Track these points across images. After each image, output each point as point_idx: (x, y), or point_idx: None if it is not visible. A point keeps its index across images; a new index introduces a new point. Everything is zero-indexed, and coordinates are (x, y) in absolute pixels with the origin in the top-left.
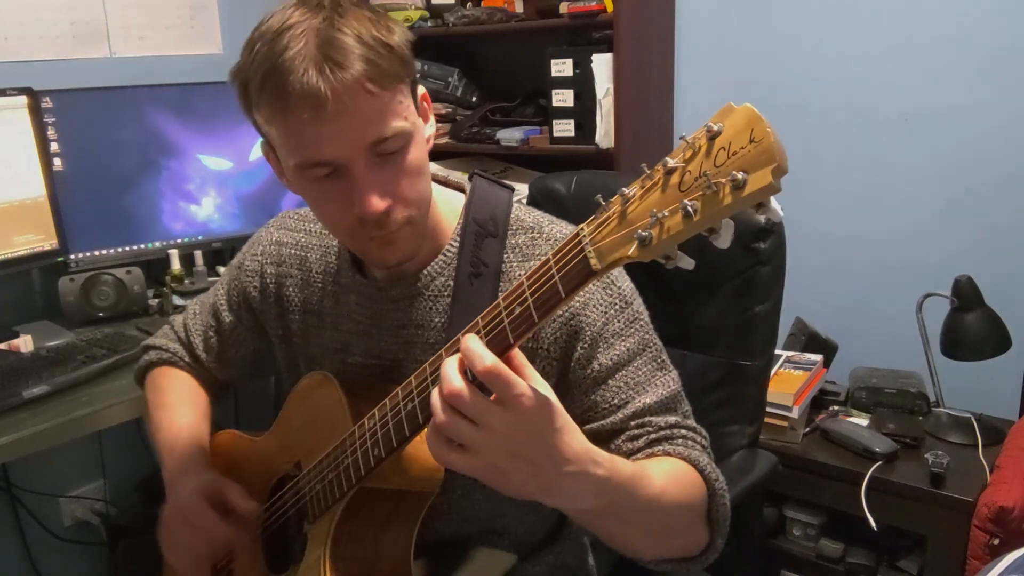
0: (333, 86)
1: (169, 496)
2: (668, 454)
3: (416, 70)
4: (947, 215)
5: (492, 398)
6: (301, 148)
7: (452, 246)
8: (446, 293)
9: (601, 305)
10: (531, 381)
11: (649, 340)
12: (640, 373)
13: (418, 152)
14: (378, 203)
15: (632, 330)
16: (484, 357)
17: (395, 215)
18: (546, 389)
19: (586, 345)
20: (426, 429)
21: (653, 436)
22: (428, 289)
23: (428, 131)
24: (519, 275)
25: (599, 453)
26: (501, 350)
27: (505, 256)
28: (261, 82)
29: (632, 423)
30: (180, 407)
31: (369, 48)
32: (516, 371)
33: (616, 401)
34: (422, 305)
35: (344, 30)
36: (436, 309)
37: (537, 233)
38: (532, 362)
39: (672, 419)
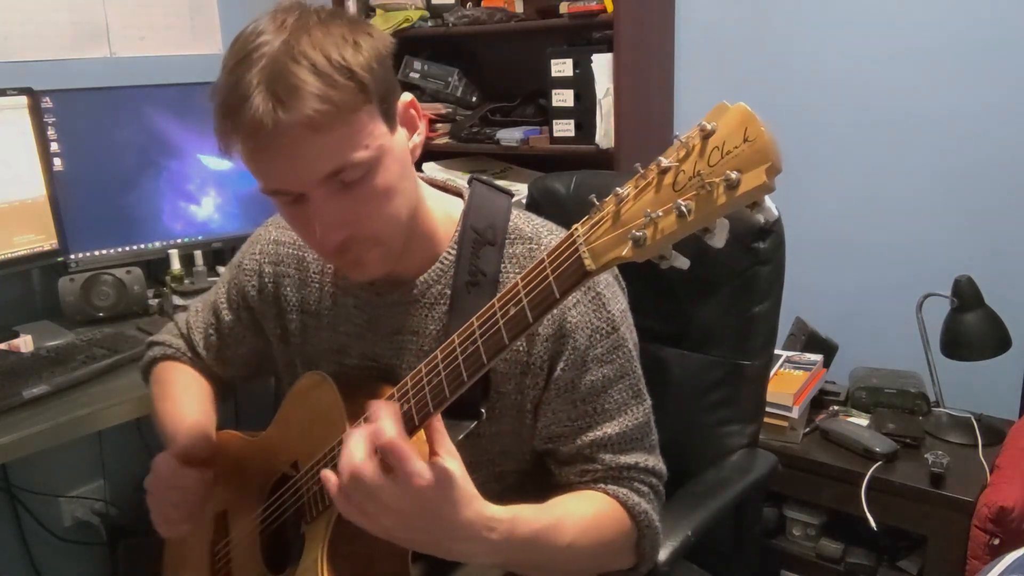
0: (278, 124)
1: None
2: (606, 492)
3: (391, 81)
4: (947, 215)
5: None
6: (259, 176)
7: (449, 254)
8: (442, 301)
9: (588, 328)
10: (440, 451)
11: (628, 368)
12: (611, 401)
13: (387, 175)
14: (335, 235)
15: (613, 356)
16: (385, 431)
17: (359, 240)
18: (451, 461)
19: (567, 365)
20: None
21: (600, 475)
22: (424, 297)
23: (414, 140)
24: None
25: (496, 519)
26: (493, 353)
27: (503, 266)
28: (218, 108)
29: (587, 452)
30: (183, 397)
31: (324, 80)
32: (431, 438)
33: (580, 424)
34: (418, 312)
35: (300, 59)
36: (432, 317)
37: (535, 244)
38: (525, 376)
39: (628, 459)
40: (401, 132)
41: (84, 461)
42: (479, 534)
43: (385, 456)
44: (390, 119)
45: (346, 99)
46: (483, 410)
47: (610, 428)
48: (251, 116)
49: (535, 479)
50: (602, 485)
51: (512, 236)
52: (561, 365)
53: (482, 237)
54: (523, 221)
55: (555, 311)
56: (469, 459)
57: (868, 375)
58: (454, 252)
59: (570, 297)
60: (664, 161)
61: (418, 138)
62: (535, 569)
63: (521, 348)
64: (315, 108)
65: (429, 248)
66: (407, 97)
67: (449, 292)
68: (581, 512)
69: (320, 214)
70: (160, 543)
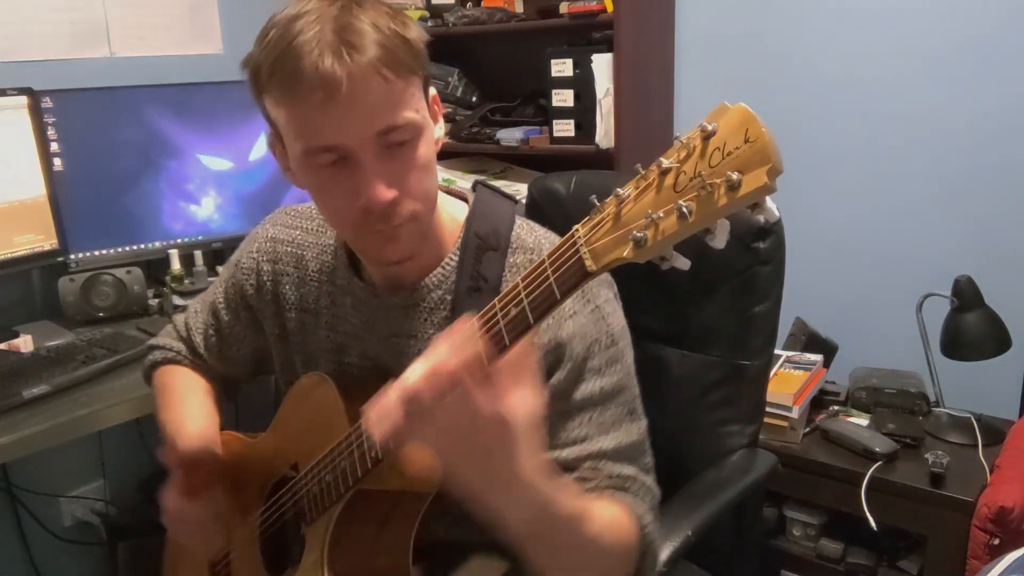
0: (349, 69)
1: None
2: (613, 499)
3: (429, 70)
4: (947, 215)
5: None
6: (309, 133)
7: (452, 259)
8: (443, 307)
9: (587, 339)
10: (527, 379)
11: (625, 384)
12: (607, 415)
13: (427, 149)
14: (385, 192)
15: (612, 370)
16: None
17: (401, 208)
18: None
19: (564, 375)
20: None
21: (604, 484)
22: (424, 301)
23: (437, 132)
24: None
25: (549, 485)
26: (497, 352)
27: (505, 274)
28: (272, 65)
29: (586, 464)
30: (183, 404)
31: (385, 36)
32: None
33: (576, 435)
34: (417, 316)
35: (361, 17)
36: (432, 321)
37: (536, 255)
38: None
39: (627, 470)
40: (431, 119)
41: (84, 461)
42: (531, 494)
43: (498, 373)
44: (427, 102)
45: (405, 58)
46: None
47: (606, 442)
48: (318, 70)
49: None
50: (609, 492)
51: (514, 244)
52: (558, 374)
53: (485, 242)
54: (526, 231)
55: (554, 323)
56: None
57: (868, 375)
58: (457, 257)
59: (570, 310)
60: (665, 162)
61: (440, 131)
62: (552, 550)
63: None
64: (382, 55)
65: (433, 249)
66: (433, 91)
67: (450, 298)
68: (603, 509)
69: (371, 171)
70: (160, 543)
